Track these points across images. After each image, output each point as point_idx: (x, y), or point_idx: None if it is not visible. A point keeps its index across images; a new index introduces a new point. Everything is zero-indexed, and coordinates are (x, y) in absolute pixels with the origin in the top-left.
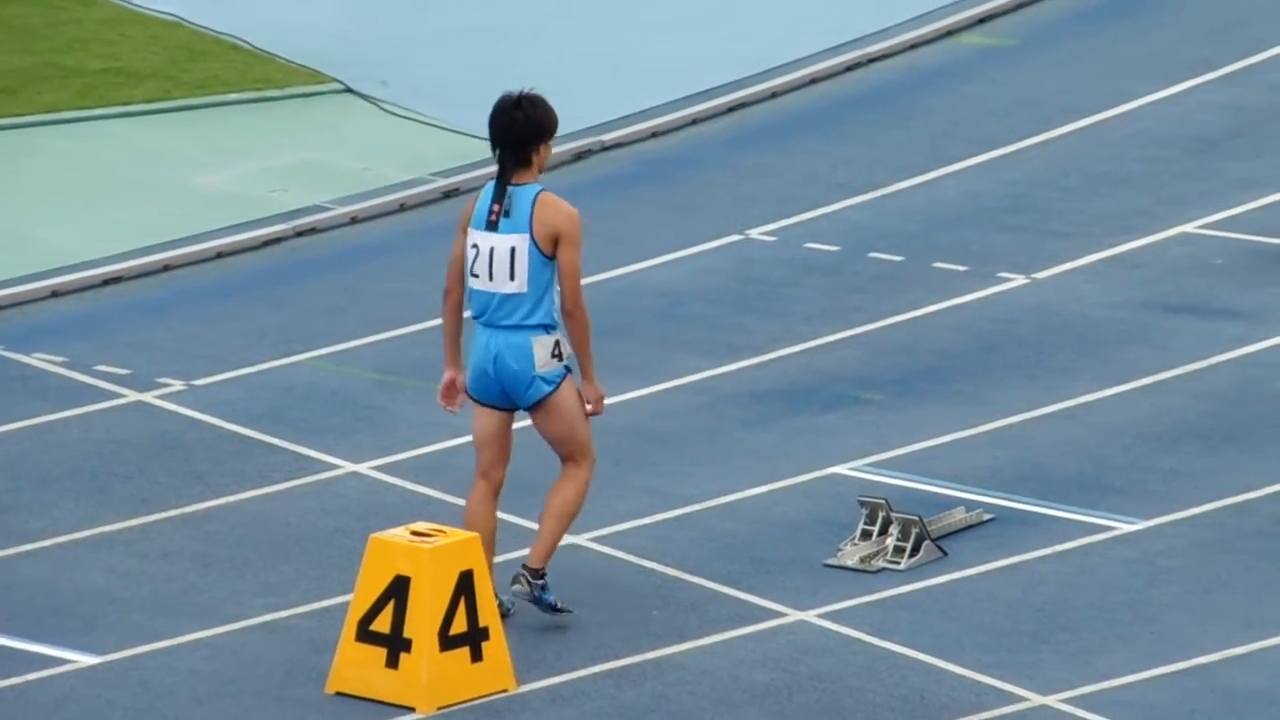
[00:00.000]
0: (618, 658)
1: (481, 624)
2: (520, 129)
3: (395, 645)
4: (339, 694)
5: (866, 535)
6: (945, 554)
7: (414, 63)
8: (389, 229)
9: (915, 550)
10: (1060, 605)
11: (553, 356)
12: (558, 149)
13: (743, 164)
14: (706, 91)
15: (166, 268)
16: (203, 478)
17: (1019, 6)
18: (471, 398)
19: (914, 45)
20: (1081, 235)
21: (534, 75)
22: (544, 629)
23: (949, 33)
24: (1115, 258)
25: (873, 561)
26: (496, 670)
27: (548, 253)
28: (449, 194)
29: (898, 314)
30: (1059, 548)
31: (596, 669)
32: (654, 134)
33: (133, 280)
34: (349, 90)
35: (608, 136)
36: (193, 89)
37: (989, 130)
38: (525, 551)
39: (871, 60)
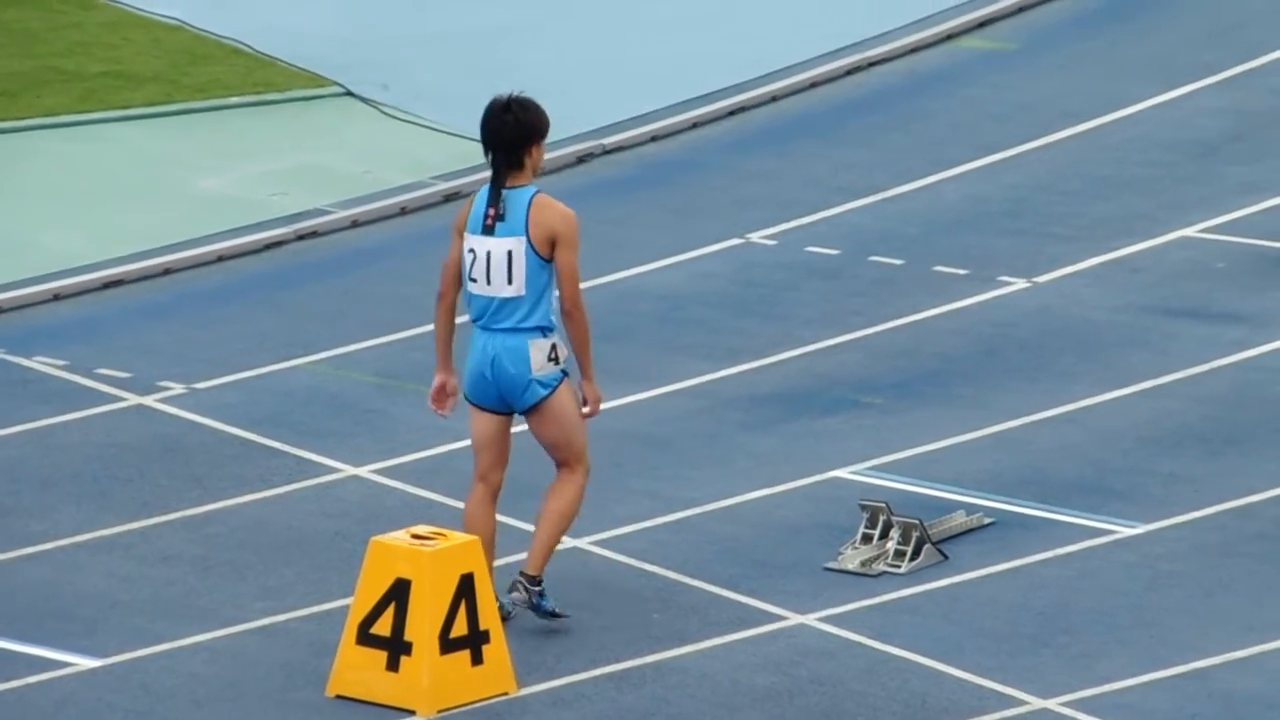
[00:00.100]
0: (618, 661)
1: (482, 627)
2: (511, 132)
3: (396, 648)
4: (339, 697)
5: (867, 539)
6: (946, 557)
7: (415, 66)
8: (390, 232)
9: (916, 554)
10: (1061, 609)
11: (549, 360)
12: (559, 152)
13: (743, 167)
14: (707, 95)
15: (167, 271)
16: (203, 481)
17: (1019, 10)
18: (469, 401)
19: (914, 49)
20: (1082, 239)
21: (535, 78)
22: (544, 632)
23: (949, 36)
24: (1116, 261)
25: (873, 565)
26: (497, 673)
27: (545, 255)
28: (450, 197)
29: (898, 318)
30: (1059, 551)
31: (597, 672)
32: (654, 137)
33: (133, 284)
34: (350, 94)
35: (608, 140)
36: (194, 93)
37: (989, 134)
38: (525, 555)
39: (872, 64)
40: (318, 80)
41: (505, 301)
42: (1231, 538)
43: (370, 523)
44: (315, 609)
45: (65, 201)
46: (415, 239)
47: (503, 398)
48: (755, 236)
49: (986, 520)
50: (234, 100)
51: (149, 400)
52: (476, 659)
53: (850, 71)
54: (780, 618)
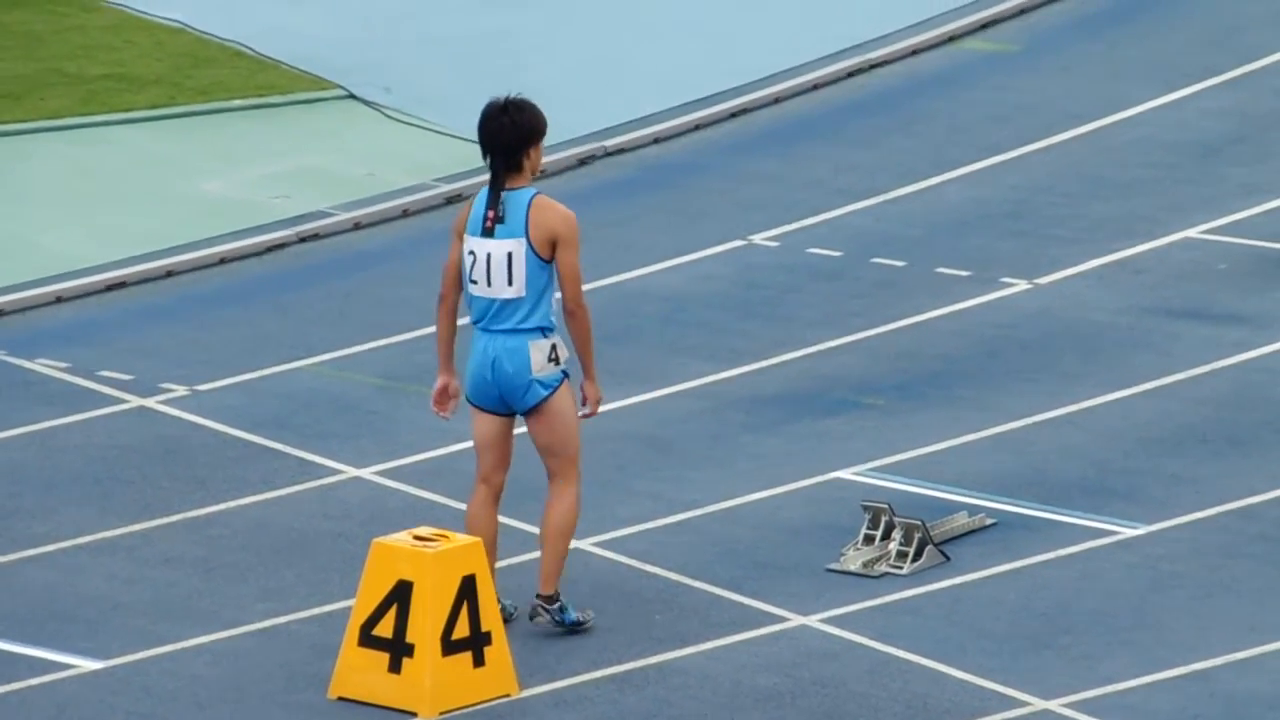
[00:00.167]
0: (620, 662)
1: (484, 629)
2: (509, 134)
3: (398, 650)
4: (341, 699)
5: (869, 540)
6: (948, 559)
7: (417, 69)
8: (392, 235)
9: (918, 555)
10: (1062, 610)
11: (549, 360)
12: (561, 154)
13: (745, 169)
14: (709, 97)
15: (170, 273)
16: (205, 483)
17: (1021, 12)
18: (471, 403)
19: (916, 51)
20: (1084, 240)
21: (537, 81)
22: (546, 634)
23: (951, 38)
24: (1118, 263)
25: (875, 566)
26: (499, 675)
27: (545, 256)
28: (452, 200)
29: (900, 319)
30: (1061, 552)
31: (599, 674)
32: (657, 140)
33: (136, 286)
34: (352, 96)
35: (611, 142)
36: (196, 95)
37: (991, 136)
38: (528, 556)
39: (874, 66)
40: (320, 83)
41: (506, 303)
42: (1233, 539)
43: (372, 524)
44: (317, 611)
45: (68, 204)
46: (417, 241)
47: (504, 399)
48: (757, 238)
49: (988, 521)
50: (236, 103)
51: (151, 402)
52: (478, 660)
53: (852, 73)
54: (782, 619)
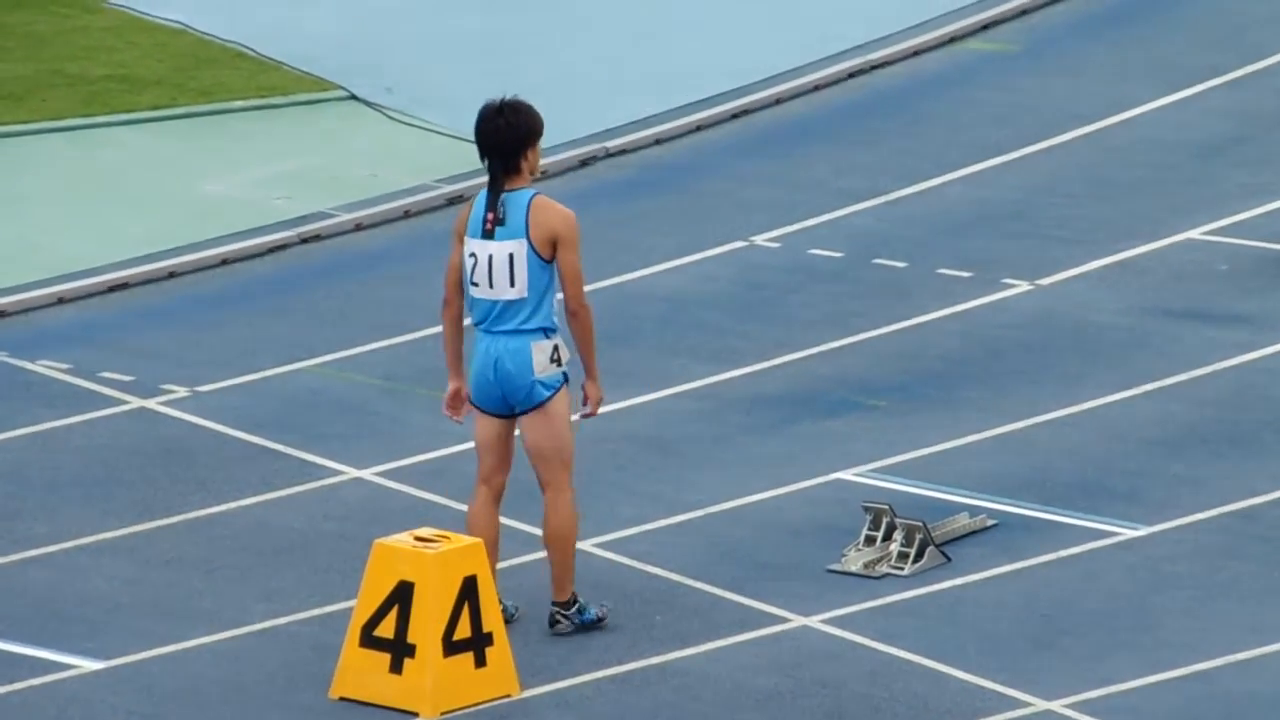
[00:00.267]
0: (621, 663)
1: (485, 629)
2: (506, 137)
3: (399, 651)
4: (342, 699)
5: (870, 541)
6: (949, 559)
7: (419, 70)
8: (394, 236)
9: (919, 556)
10: (1063, 611)
11: (551, 361)
12: (562, 155)
13: (747, 171)
14: (710, 98)
15: (171, 274)
16: (206, 484)
17: (1022, 13)
18: (473, 404)
19: (917, 51)
20: (1086, 241)
21: (538, 82)
22: (547, 634)
23: (952, 39)
24: (1120, 264)
25: (876, 567)
26: (500, 675)
27: (546, 256)
28: (453, 200)
29: (901, 320)
30: (1063, 553)
31: (600, 674)
32: (658, 141)
33: (138, 287)
34: (354, 97)
35: (612, 143)
36: (198, 96)
37: (992, 136)
38: (529, 558)
39: (875, 67)
40: (322, 84)
41: (508, 304)
42: (1234, 539)
43: (373, 525)
44: (318, 611)
45: (69, 205)
46: (419, 242)
47: (506, 399)
48: (759, 239)
49: (989, 522)
50: (238, 104)
51: (152, 403)
52: (480, 661)
53: (853, 74)
54: (783, 620)
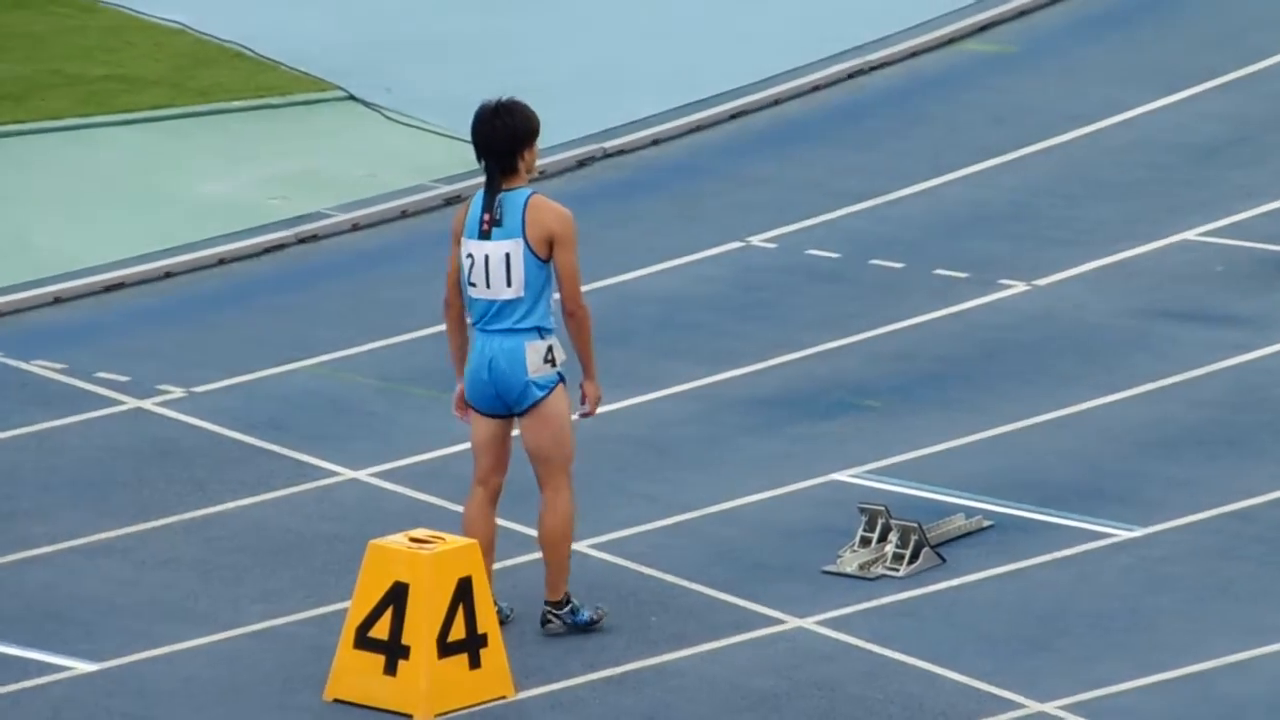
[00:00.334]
0: (616, 664)
1: (480, 630)
2: (502, 137)
3: (394, 652)
4: (337, 700)
5: (866, 542)
6: (944, 561)
7: (416, 70)
8: (391, 236)
9: (914, 557)
10: (1059, 612)
11: (545, 361)
12: (560, 156)
13: (744, 171)
14: (708, 99)
15: (168, 275)
16: (202, 485)
17: (1020, 14)
18: (469, 404)
19: (915, 52)
20: (1082, 242)
21: (536, 83)
22: (542, 636)
23: (950, 40)
24: (1116, 265)
25: (872, 568)
26: (495, 677)
27: (542, 256)
28: (451, 201)
29: (898, 321)
30: (1058, 555)
31: (595, 676)
32: (655, 141)
33: (134, 287)
34: (352, 98)
35: (609, 144)
36: (196, 96)
37: (990, 137)
38: (525, 559)
39: (873, 67)
40: (319, 84)
41: (505, 304)
42: (1230, 541)
43: (369, 526)
44: (313, 612)
45: (67, 205)
46: (416, 242)
47: (501, 399)
48: (755, 240)
49: (985, 523)
50: (236, 104)
51: (148, 404)
52: (474, 663)
53: (851, 75)
54: (779, 621)
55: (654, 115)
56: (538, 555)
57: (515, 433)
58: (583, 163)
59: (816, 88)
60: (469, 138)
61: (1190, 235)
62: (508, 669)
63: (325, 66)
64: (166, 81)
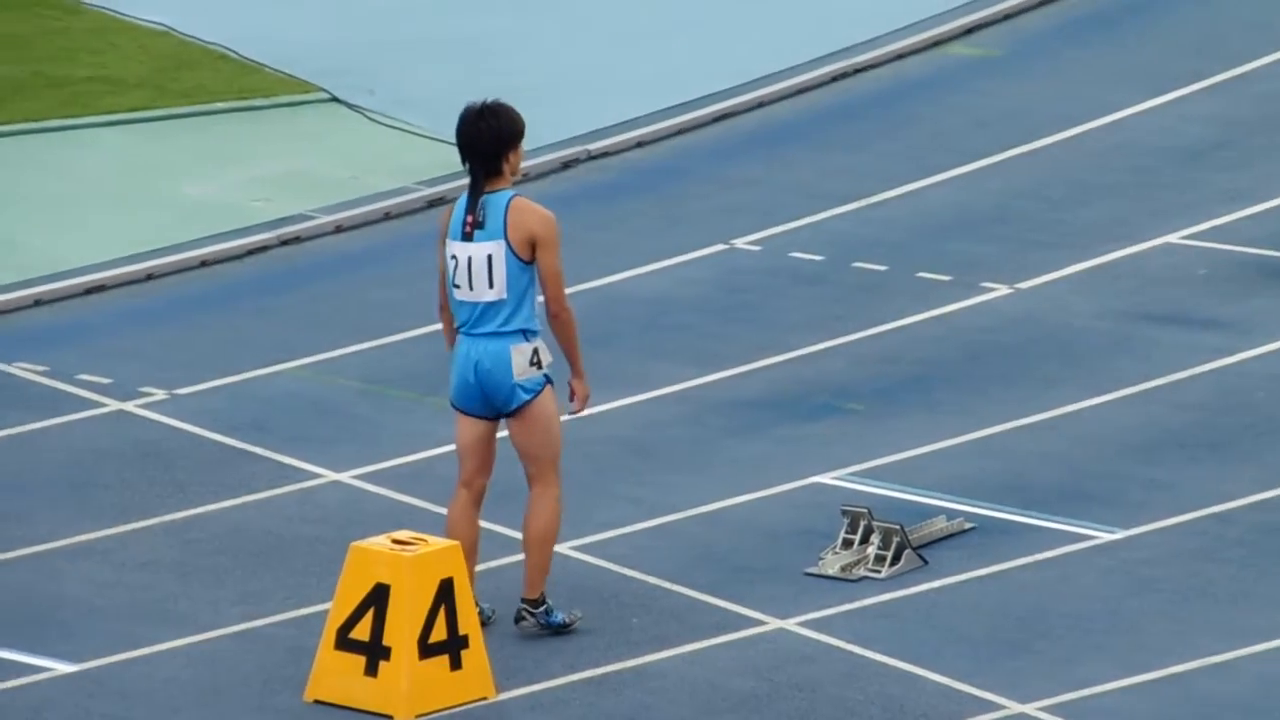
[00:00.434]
0: (598, 666)
1: (461, 632)
2: (487, 139)
3: (374, 653)
4: (318, 702)
5: (848, 544)
6: (926, 563)
7: (400, 72)
8: (374, 238)
9: (896, 559)
10: (1040, 614)
11: (530, 364)
12: (545, 158)
13: (729, 174)
14: (693, 101)
15: (150, 276)
16: (183, 487)
17: (1006, 17)
18: (454, 406)
19: (901, 55)
20: (1066, 245)
21: (520, 84)
22: (523, 637)
23: (936, 43)
24: (1099, 268)
25: (853, 570)
26: (476, 678)
27: (525, 258)
28: (434, 203)
29: (881, 324)
30: (1039, 557)
31: (576, 677)
32: (640, 144)
33: (116, 289)
34: (335, 100)
35: (594, 146)
36: (179, 98)
37: (975, 140)
38: (507, 560)
39: (858, 70)
40: (303, 86)
41: (488, 306)
42: (1211, 543)
43: (350, 528)
44: (294, 614)
45: (50, 206)
46: (400, 245)
47: (487, 401)
48: (740, 242)
49: (967, 525)
50: (219, 106)
51: (130, 406)
52: (455, 664)
53: (836, 78)
54: (760, 623)
55: (639, 117)
56: (520, 557)
57: (502, 434)
58: (568, 165)
59: (802, 90)
60: (453, 140)
61: (1173, 238)
62: (489, 670)
63: (309, 68)
64: (150, 83)
